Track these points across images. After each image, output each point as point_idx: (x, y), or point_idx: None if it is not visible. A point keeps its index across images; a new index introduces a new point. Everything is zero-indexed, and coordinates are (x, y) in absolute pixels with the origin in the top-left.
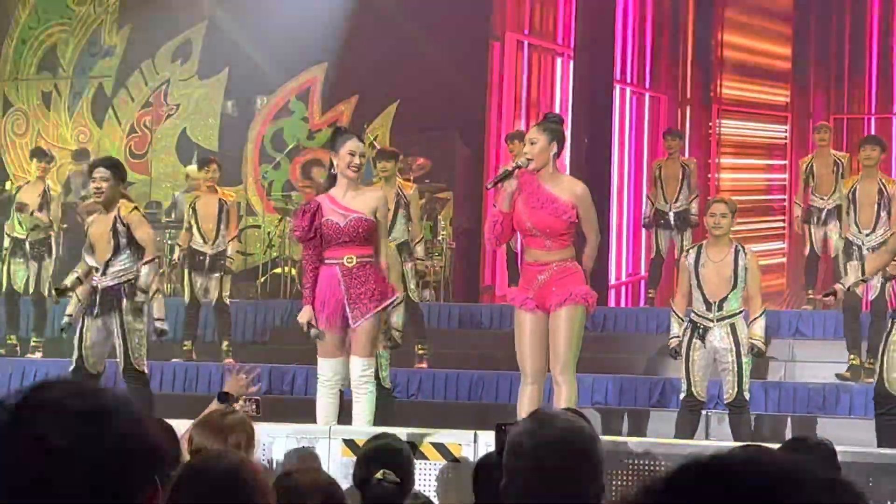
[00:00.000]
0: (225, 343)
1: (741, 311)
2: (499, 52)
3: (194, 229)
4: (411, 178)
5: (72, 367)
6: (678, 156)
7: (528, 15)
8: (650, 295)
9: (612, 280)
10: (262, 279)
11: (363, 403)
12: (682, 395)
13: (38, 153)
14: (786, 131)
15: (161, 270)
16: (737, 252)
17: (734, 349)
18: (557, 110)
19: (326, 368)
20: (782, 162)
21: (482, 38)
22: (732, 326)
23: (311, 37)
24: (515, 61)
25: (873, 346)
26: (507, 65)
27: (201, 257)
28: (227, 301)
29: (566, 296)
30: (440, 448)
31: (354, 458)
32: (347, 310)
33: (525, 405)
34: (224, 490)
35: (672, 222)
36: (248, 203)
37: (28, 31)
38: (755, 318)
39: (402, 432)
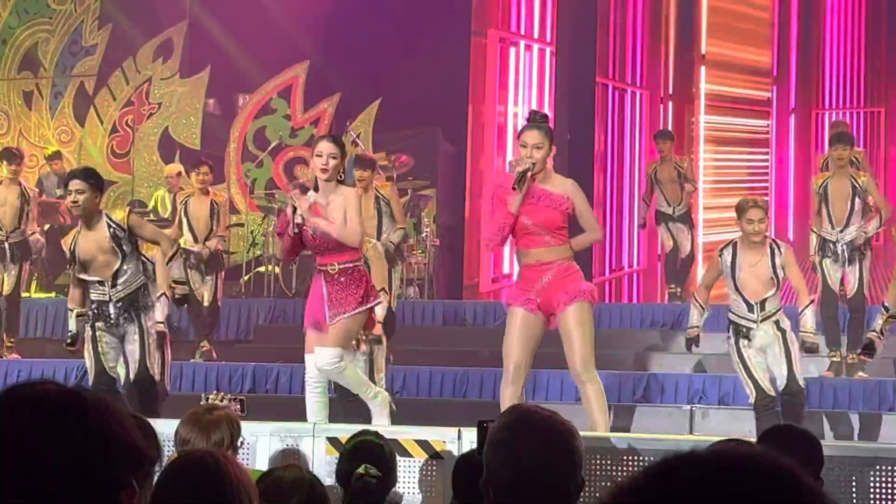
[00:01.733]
0: (205, 342)
1: (781, 308)
2: (481, 49)
3: (186, 229)
4: (385, 176)
5: (93, 373)
6: (671, 157)
7: (511, 12)
8: (671, 290)
9: (597, 276)
10: (246, 278)
11: (312, 401)
12: (752, 399)
13: (7, 155)
14: (768, 126)
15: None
16: (772, 251)
17: (780, 337)
18: (539, 106)
19: (311, 366)
20: (764, 155)
21: (464, 36)
22: (776, 323)
23: (292, 35)
24: (498, 58)
25: (853, 341)
26: (490, 62)
27: (195, 257)
28: (219, 302)
29: (574, 294)
30: (424, 445)
31: (337, 456)
32: (326, 310)
33: (506, 405)
34: (207, 487)
35: (677, 220)
36: (232, 201)
37: (8, 31)
38: (803, 310)
39: (385, 429)
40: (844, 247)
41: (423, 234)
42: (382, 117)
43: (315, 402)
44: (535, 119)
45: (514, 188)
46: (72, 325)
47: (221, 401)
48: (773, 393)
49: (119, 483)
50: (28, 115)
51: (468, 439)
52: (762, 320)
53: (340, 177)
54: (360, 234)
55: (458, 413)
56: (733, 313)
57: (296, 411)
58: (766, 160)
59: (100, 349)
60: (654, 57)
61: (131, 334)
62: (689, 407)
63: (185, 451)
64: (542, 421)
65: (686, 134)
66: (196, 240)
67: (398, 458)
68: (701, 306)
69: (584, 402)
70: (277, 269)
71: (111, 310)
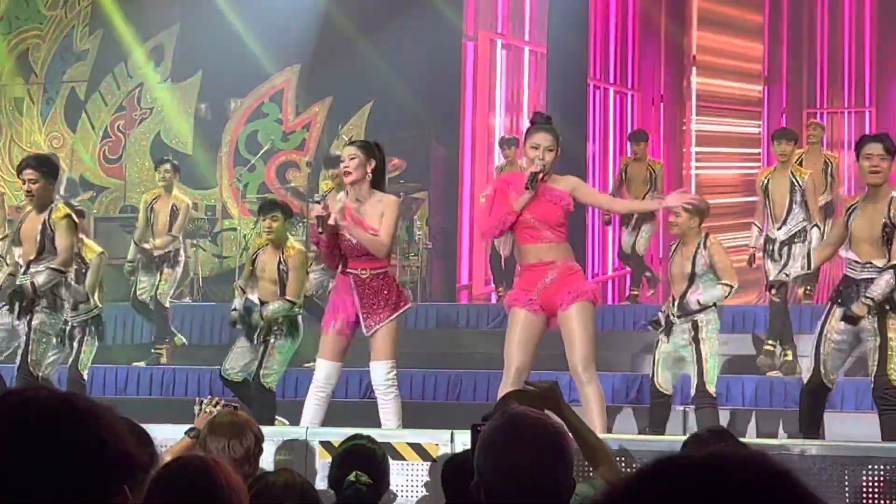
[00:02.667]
0: (156, 345)
1: (704, 308)
2: (473, 52)
3: (149, 229)
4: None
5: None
6: (644, 157)
7: (502, 14)
8: (633, 293)
9: (589, 277)
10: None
11: (389, 408)
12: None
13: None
14: (759, 126)
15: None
16: (697, 249)
17: (691, 343)
18: (531, 109)
19: (322, 373)
20: (756, 152)
21: (456, 38)
22: (696, 322)
23: (283, 39)
24: (489, 60)
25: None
26: (481, 64)
27: (153, 258)
28: (166, 303)
29: (577, 294)
30: (416, 448)
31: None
32: (361, 318)
33: None
34: (197, 493)
35: (632, 223)
36: (224, 206)
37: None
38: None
39: (378, 433)
40: (781, 243)
41: (416, 237)
42: (374, 120)
43: (314, 406)
44: (541, 121)
45: (526, 188)
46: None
47: (215, 406)
48: (661, 389)
49: (110, 489)
50: (20, 121)
51: (461, 442)
52: (679, 317)
53: (368, 177)
54: (388, 247)
55: (452, 416)
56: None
57: (290, 414)
58: (758, 160)
59: None
60: (645, 59)
61: (24, 328)
62: (682, 408)
63: (179, 457)
64: (532, 423)
65: (678, 135)
66: (155, 240)
67: (391, 461)
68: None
69: (584, 402)
70: None
71: (11, 294)
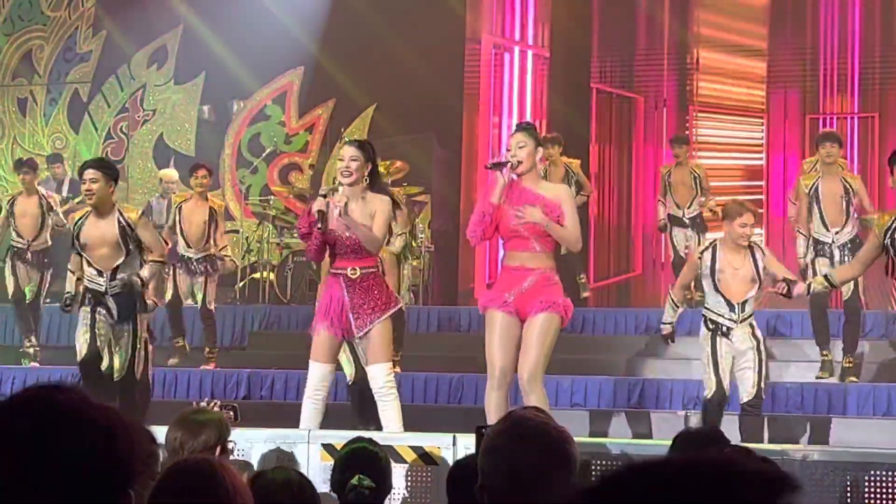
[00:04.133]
0: (206, 349)
1: (753, 313)
2: (475, 55)
3: (178, 232)
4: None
5: (84, 356)
6: (686, 161)
7: (505, 18)
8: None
9: (592, 282)
10: (241, 284)
11: (390, 410)
12: (708, 394)
13: (19, 165)
14: (762, 131)
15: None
16: (753, 253)
17: (756, 345)
18: (534, 113)
19: (316, 376)
20: (758, 160)
21: (459, 41)
22: (752, 327)
23: (287, 41)
24: (492, 64)
25: (848, 344)
26: (484, 68)
27: (187, 261)
28: (212, 307)
29: (548, 304)
30: (419, 451)
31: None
32: (351, 319)
33: (493, 411)
34: (202, 495)
35: (688, 225)
36: (227, 208)
37: (3, 38)
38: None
39: (380, 436)
40: (838, 249)
41: (418, 240)
42: (377, 123)
43: (312, 408)
44: (519, 127)
45: (486, 167)
46: (70, 287)
47: (213, 408)
48: (727, 392)
49: (116, 490)
50: (23, 122)
51: (463, 445)
52: (741, 321)
53: (365, 180)
54: (381, 242)
55: (454, 419)
56: (712, 311)
57: (290, 418)
58: (761, 165)
59: (97, 332)
60: (648, 63)
61: (124, 334)
62: (683, 412)
63: (180, 457)
64: (536, 427)
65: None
66: (188, 244)
67: (393, 464)
68: (675, 304)
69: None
70: (272, 276)
71: (110, 303)
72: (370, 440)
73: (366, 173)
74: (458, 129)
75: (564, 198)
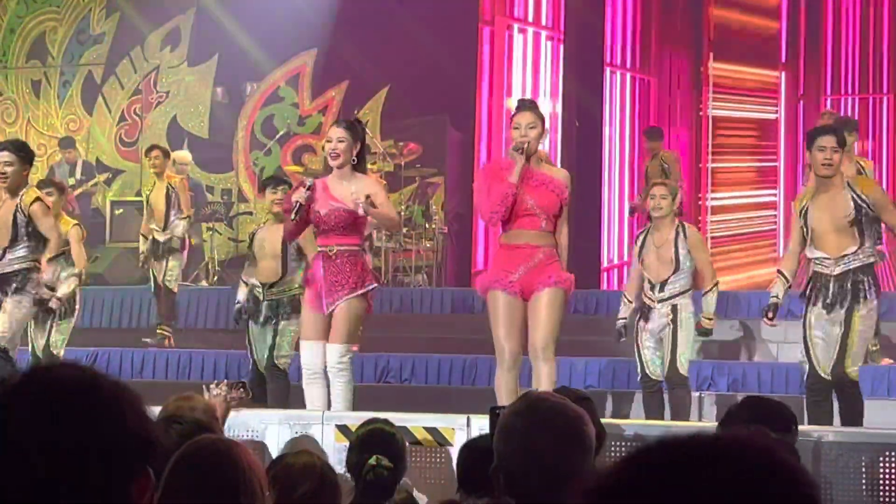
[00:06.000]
0: (159, 326)
1: (686, 291)
2: (489, 36)
3: (148, 218)
4: (393, 163)
5: None
6: (659, 153)
7: None
8: None
9: (605, 263)
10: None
11: (338, 392)
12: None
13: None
14: (777, 112)
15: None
16: (677, 233)
17: (671, 326)
18: (548, 94)
19: (308, 356)
20: (773, 141)
21: (472, 23)
22: (674, 307)
23: (300, 23)
24: (505, 45)
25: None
26: (497, 49)
27: (156, 245)
28: (172, 286)
29: (555, 279)
30: (433, 432)
31: (347, 444)
32: (322, 295)
33: (504, 393)
34: (218, 473)
35: None
36: (240, 189)
37: (16, 20)
38: (706, 294)
39: (395, 417)
40: None
41: (432, 222)
42: (390, 105)
43: (318, 391)
44: (525, 104)
45: (514, 149)
46: None
47: (221, 389)
48: (656, 377)
49: (130, 471)
50: (36, 104)
51: (477, 426)
52: (660, 301)
53: (353, 161)
54: (397, 218)
55: (467, 400)
56: (642, 294)
57: (297, 398)
58: (775, 146)
59: None
60: (662, 44)
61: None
62: (697, 394)
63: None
64: (552, 408)
65: (694, 121)
66: (157, 227)
67: (407, 444)
68: (628, 300)
69: (535, 379)
70: None
71: None
72: (386, 421)
73: (354, 154)
74: (471, 111)
75: (567, 184)
